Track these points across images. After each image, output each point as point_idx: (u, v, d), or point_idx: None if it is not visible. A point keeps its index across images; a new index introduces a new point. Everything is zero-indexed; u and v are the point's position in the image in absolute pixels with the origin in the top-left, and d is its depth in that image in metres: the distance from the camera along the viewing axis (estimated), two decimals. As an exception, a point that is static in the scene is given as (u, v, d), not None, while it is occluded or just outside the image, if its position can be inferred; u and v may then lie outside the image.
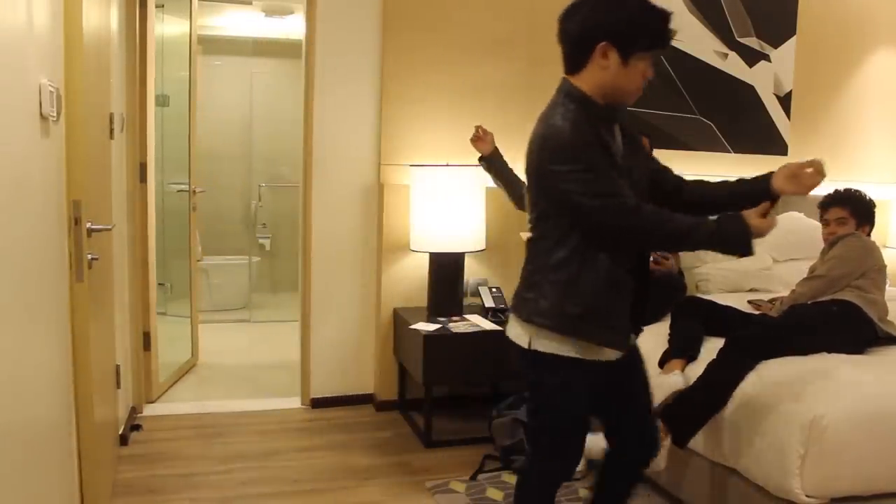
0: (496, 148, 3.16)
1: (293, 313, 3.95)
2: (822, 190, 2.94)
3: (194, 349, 4.30)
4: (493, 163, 3.15)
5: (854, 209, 2.78)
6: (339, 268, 3.64)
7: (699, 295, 3.19)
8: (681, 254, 3.26)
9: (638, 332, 1.92)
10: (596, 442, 2.36)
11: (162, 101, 3.70)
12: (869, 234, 2.80)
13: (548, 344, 1.76)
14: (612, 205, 1.67)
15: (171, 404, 3.65)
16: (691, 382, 2.40)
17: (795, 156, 4.33)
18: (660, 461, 2.29)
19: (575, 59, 1.78)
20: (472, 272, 3.66)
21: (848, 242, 2.70)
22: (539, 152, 1.73)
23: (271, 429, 3.37)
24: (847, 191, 2.85)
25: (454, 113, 3.67)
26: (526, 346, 1.79)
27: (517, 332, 1.82)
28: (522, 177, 1.85)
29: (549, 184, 1.71)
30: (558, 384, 1.81)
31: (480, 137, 3.14)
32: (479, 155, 3.17)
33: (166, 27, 3.61)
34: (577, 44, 1.75)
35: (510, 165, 3.13)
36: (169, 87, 3.60)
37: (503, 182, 3.17)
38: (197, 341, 4.31)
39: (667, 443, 2.30)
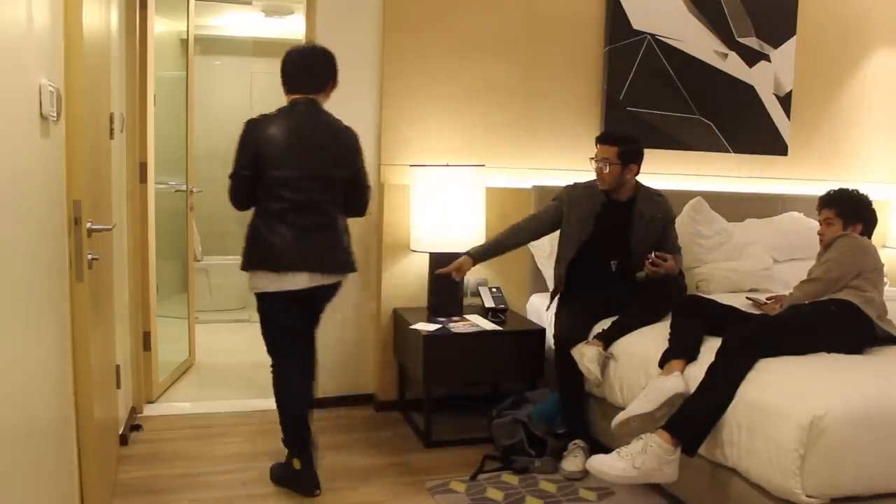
0: (474, 261, 3.15)
1: (293, 313, 3.95)
2: (822, 189, 2.95)
3: (191, 349, 4.30)
4: (483, 259, 3.20)
5: (840, 210, 2.78)
6: (339, 268, 3.64)
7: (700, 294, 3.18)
8: (682, 254, 3.25)
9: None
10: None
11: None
12: (866, 233, 2.79)
13: None
14: None
15: (171, 404, 3.65)
16: (691, 383, 2.40)
17: (795, 156, 4.33)
18: (674, 473, 2.28)
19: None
20: (472, 272, 3.65)
21: (842, 244, 2.70)
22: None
23: (271, 429, 3.36)
24: (837, 191, 2.84)
25: (454, 113, 3.67)
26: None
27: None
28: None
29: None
30: None
31: (459, 272, 3.13)
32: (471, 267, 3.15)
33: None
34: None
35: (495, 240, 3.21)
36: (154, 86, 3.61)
37: (503, 252, 3.24)
38: (193, 342, 4.31)
39: (677, 454, 2.29)
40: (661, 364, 2.54)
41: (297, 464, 2.69)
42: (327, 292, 2.75)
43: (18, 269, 1.46)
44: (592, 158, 3.08)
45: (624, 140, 3.06)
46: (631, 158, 3.05)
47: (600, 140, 3.09)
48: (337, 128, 2.72)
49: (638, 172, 3.10)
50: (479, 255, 3.17)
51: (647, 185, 3.19)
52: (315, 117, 2.68)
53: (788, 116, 4.28)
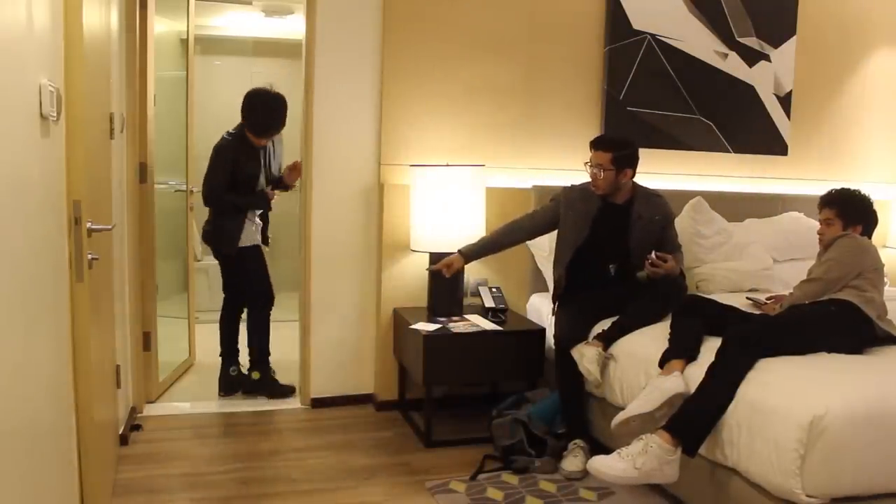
0: (465, 260, 3.21)
1: (293, 313, 3.95)
2: (822, 189, 2.95)
3: (191, 349, 4.29)
4: (475, 258, 3.25)
5: (841, 210, 2.77)
6: (339, 268, 3.64)
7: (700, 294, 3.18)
8: (682, 254, 3.25)
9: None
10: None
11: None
12: (866, 233, 2.79)
13: None
14: None
15: (171, 404, 3.65)
16: (691, 383, 2.40)
17: (795, 155, 4.33)
18: (674, 473, 2.28)
19: None
20: (472, 272, 3.66)
21: (842, 244, 2.70)
22: None
23: (271, 429, 3.37)
24: (838, 191, 2.83)
25: (454, 113, 3.67)
26: None
27: None
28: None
29: None
30: None
31: (449, 269, 3.19)
32: (462, 265, 3.23)
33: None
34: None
35: (486, 241, 3.27)
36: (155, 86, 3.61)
37: (498, 250, 3.29)
38: (193, 342, 4.31)
39: (678, 455, 2.28)
40: (661, 364, 2.54)
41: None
42: (219, 259, 3.77)
43: (18, 269, 1.46)
44: (587, 163, 3.08)
45: (618, 145, 3.03)
46: (625, 163, 3.03)
47: (594, 145, 3.07)
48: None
49: (633, 176, 3.08)
50: (472, 254, 3.18)
51: (645, 185, 3.19)
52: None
53: (788, 116, 4.28)
